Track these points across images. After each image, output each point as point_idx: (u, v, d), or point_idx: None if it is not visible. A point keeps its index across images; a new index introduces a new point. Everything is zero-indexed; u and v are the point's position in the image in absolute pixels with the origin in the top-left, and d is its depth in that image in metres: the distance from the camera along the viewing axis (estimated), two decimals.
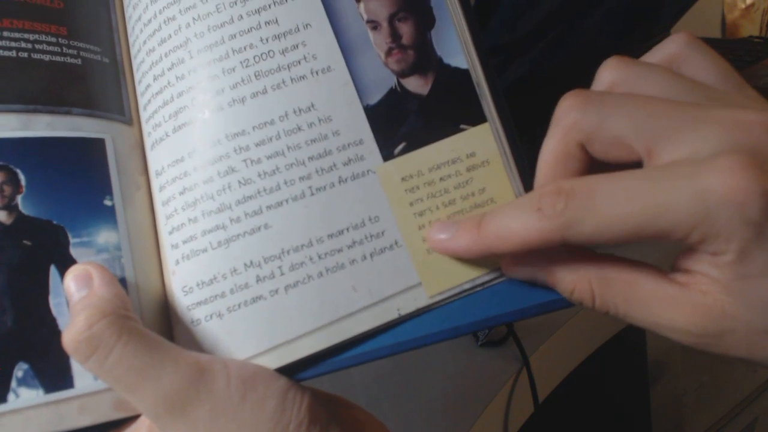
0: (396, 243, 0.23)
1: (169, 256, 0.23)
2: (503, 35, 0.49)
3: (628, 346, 0.65)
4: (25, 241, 0.22)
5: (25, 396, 0.20)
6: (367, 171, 0.23)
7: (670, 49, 0.21)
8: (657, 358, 0.67)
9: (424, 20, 0.24)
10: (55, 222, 0.22)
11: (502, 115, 0.24)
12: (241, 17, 0.23)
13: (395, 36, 0.24)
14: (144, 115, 0.25)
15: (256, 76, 0.23)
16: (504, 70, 0.51)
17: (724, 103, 0.18)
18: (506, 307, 0.22)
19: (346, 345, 0.22)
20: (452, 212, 0.23)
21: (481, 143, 0.23)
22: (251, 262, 0.22)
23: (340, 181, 0.23)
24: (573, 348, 0.59)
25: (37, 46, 0.23)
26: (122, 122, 0.25)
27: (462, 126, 0.24)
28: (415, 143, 0.23)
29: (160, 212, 0.24)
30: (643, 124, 0.18)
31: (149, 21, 0.24)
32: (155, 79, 0.24)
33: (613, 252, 0.20)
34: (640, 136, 0.18)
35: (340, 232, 0.23)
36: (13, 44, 0.23)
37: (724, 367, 0.82)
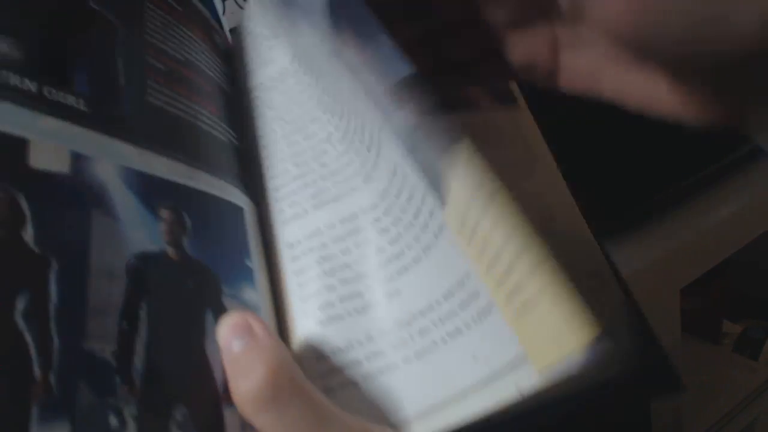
0: (492, 303, 0.20)
1: (301, 323, 0.23)
2: None
3: None
4: (188, 281, 0.21)
5: None
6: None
7: None
8: None
9: None
10: (212, 270, 0.22)
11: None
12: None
13: None
14: (275, 195, 0.26)
15: (377, 156, 0.25)
16: None
17: None
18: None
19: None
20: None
21: None
22: (385, 329, 0.23)
23: (436, 236, 0.22)
24: None
25: (199, 116, 0.25)
26: (251, 199, 0.26)
27: None
28: None
29: (292, 281, 0.24)
30: None
31: (294, 120, 0.28)
32: (296, 165, 0.26)
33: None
34: None
35: (451, 293, 0.22)
36: (182, 106, 0.24)
37: (724, 367, 0.78)
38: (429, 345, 0.22)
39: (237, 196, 0.25)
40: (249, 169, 0.27)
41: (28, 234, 0.17)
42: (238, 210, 0.25)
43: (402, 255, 0.24)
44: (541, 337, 0.19)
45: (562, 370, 0.19)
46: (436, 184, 0.22)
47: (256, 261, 0.24)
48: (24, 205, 0.17)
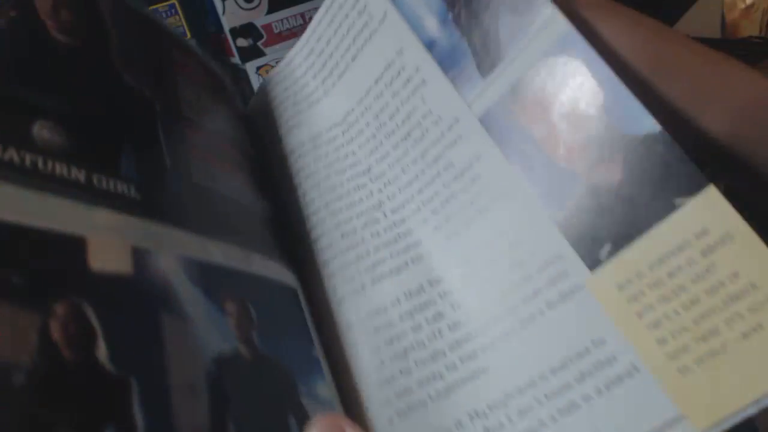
0: (634, 368, 0.18)
1: (377, 415, 0.21)
2: None
3: None
4: (265, 382, 0.18)
5: None
6: (575, 287, 0.20)
7: None
8: None
9: (592, 96, 0.20)
10: (286, 366, 0.19)
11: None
12: (423, 171, 0.24)
13: (565, 131, 0.21)
14: (325, 271, 0.24)
15: (446, 220, 0.23)
16: None
17: None
18: None
19: None
20: (699, 314, 0.18)
21: (712, 214, 0.18)
22: (476, 412, 0.21)
23: (548, 306, 0.20)
24: None
25: (240, 191, 0.23)
26: (296, 275, 0.24)
27: (677, 201, 0.18)
28: (622, 240, 0.19)
29: (358, 367, 0.22)
30: None
31: (334, 187, 0.26)
32: (343, 236, 0.24)
33: None
34: None
35: (563, 365, 0.20)
36: (223, 181, 0.22)
37: None
38: (535, 425, 0.20)
39: (287, 276, 0.23)
40: (292, 244, 0.25)
41: (102, 351, 0.15)
42: (293, 292, 0.22)
43: (485, 330, 0.21)
44: (715, 391, 0.17)
45: (732, 422, 0.17)
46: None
47: (319, 348, 0.22)
48: (92, 316, 0.15)
